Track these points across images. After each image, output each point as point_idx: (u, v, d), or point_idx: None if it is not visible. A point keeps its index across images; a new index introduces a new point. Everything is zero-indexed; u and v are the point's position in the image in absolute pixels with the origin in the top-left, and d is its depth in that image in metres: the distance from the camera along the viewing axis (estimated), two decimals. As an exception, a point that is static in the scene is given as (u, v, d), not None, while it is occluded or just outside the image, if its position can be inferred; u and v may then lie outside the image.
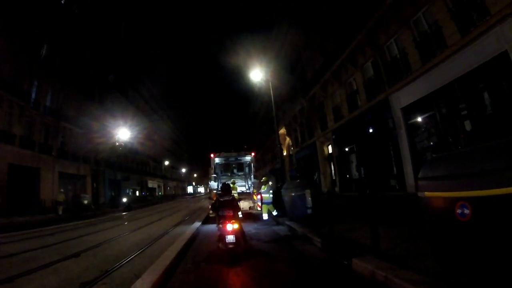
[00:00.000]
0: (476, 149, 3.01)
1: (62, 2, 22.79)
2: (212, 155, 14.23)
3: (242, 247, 5.69)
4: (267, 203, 10.49)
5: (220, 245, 5.51)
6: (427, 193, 3.19)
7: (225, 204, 5.87)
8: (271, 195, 10.55)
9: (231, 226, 5.46)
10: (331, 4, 15.20)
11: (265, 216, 10.49)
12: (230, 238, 5.41)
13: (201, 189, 76.84)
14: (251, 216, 11.65)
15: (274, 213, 10.47)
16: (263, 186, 10.73)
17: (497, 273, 2.48)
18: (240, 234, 5.67)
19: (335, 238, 5.57)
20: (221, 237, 5.55)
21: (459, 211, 2.72)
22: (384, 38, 11.63)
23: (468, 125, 8.08)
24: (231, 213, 5.73)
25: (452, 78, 8.17)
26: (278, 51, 25.48)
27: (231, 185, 8.80)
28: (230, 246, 5.40)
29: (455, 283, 2.91)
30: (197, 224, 9.96)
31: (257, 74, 16.63)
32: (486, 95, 7.38)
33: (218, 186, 12.80)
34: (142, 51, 49.03)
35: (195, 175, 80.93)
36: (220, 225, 5.63)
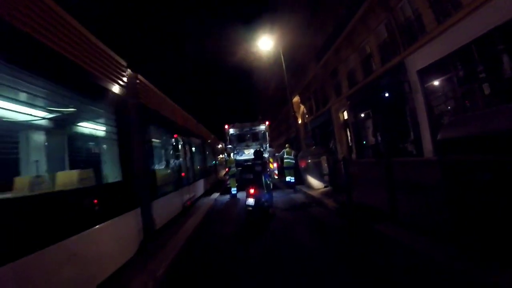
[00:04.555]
0: (497, 110, 2.83)
1: None
2: (226, 127, 14.41)
3: (261, 211, 5.61)
4: (290, 168, 11.13)
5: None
6: (445, 156, 3.01)
7: (249, 168, 6.09)
8: (293, 161, 11.21)
9: (252, 190, 5.52)
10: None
11: (289, 179, 11.21)
12: (250, 201, 5.42)
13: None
14: None
15: (288, 179, 11.16)
16: (286, 152, 11.41)
17: None
18: (259, 198, 5.60)
19: (353, 204, 5.45)
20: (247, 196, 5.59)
21: (479, 173, 2.60)
22: (397, -3, 10.99)
23: (486, 88, 7.89)
24: (251, 176, 5.83)
25: (469, 40, 7.79)
26: (288, 16, 24.43)
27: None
28: (249, 208, 5.37)
29: (474, 248, 2.80)
30: (216, 194, 10.98)
31: (267, 42, 16.17)
32: (505, 57, 7.10)
33: (233, 156, 13.16)
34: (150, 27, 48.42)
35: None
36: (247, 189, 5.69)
